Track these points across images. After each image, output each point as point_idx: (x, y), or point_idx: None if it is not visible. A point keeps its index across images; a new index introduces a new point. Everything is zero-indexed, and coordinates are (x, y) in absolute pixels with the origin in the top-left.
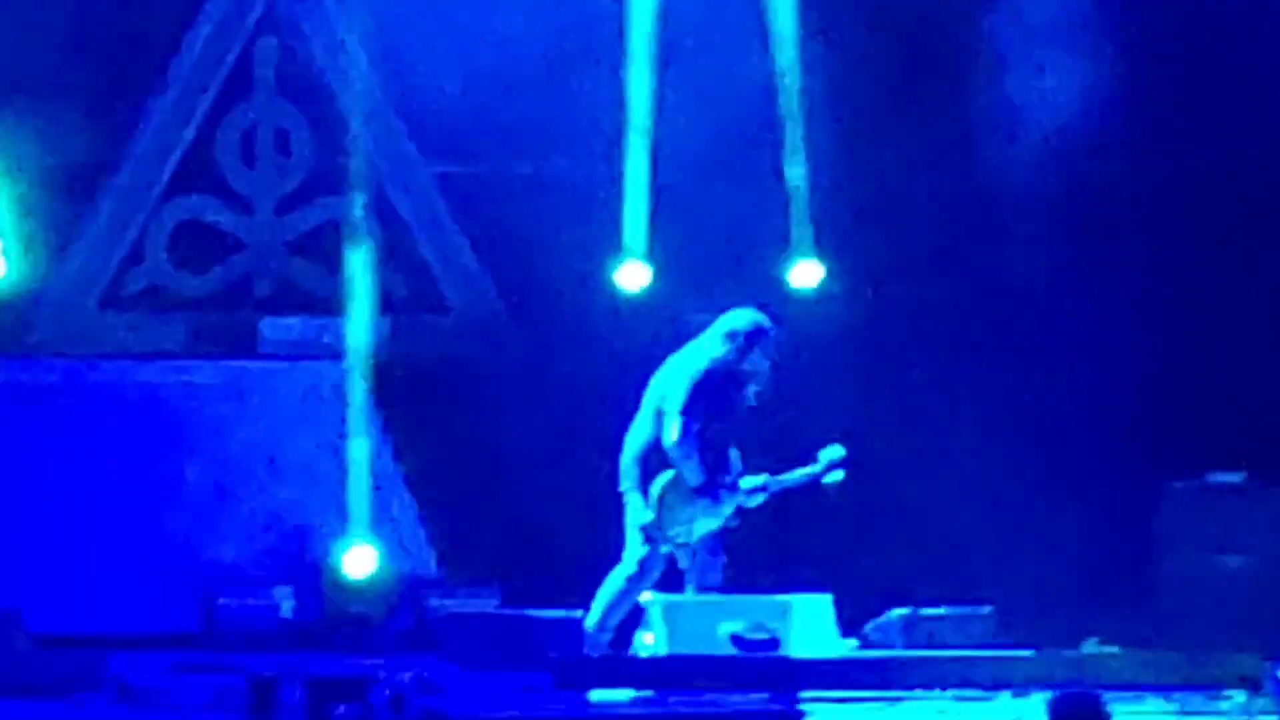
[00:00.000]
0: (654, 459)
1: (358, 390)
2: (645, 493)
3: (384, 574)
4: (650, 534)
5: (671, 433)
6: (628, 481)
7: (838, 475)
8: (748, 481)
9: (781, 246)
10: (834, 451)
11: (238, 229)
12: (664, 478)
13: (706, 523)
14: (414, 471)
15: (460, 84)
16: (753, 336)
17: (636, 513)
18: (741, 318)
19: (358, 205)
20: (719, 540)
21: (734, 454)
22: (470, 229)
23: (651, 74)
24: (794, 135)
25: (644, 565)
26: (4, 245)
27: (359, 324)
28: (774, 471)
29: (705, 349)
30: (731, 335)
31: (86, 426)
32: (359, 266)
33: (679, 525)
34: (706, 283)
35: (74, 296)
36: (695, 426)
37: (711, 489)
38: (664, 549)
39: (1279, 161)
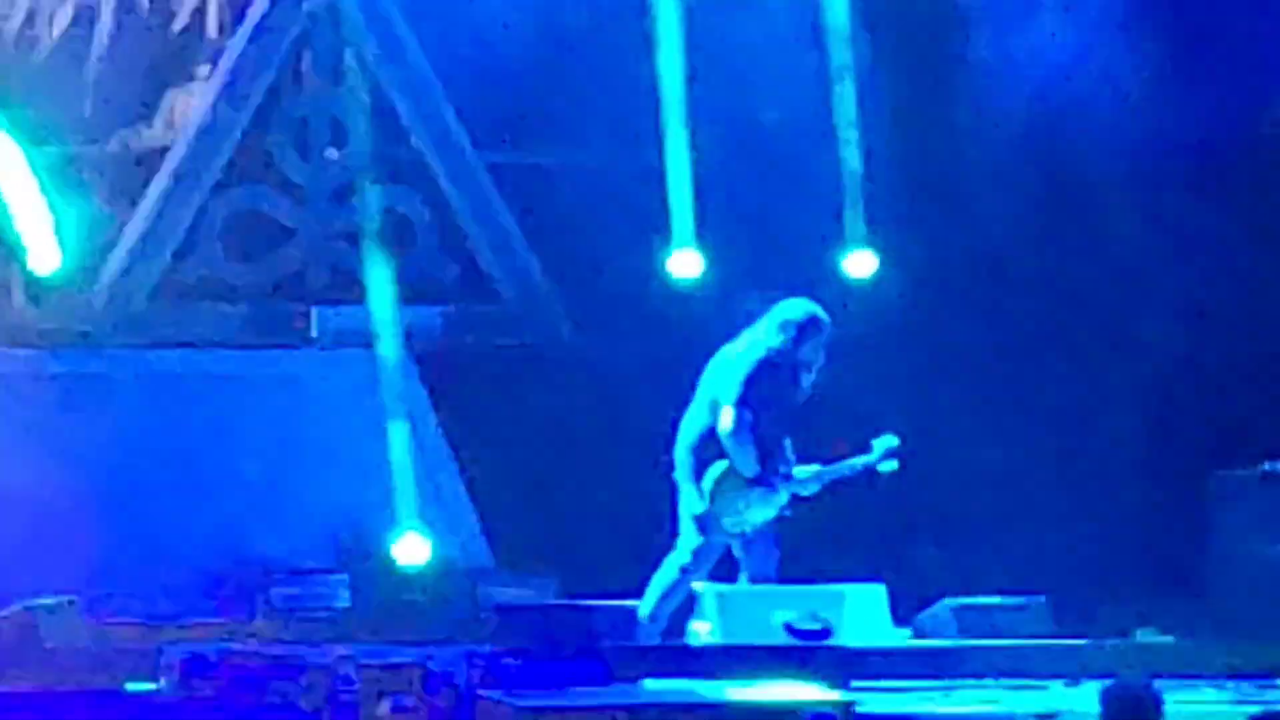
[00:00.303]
0: (708, 448)
1: (412, 379)
2: (699, 482)
3: (438, 564)
4: (704, 524)
5: (726, 422)
6: (682, 471)
7: (892, 464)
8: (802, 471)
9: (836, 235)
10: (888, 441)
11: (291, 218)
12: (718, 468)
13: (761, 512)
14: (468, 461)
15: (512, 73)
16: (806, 327)
17: (690, 502)
18: (796, 308)
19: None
20: (773, 530)
21: (788, 443)
22: (523, 218)
23: (698, 63)
24: (847, 124)
25: (697, 555)
26: (59, 236)
27: (415, 313)
28: (827, 461)
29: (760, 339)
30: (785, 326)
31: (141, 416)
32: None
33: (733, 515)
34: (760, 271)
35: (127, 286)
36: (750, 417)
37: (766, 479)
38: (718, 539)
39: None
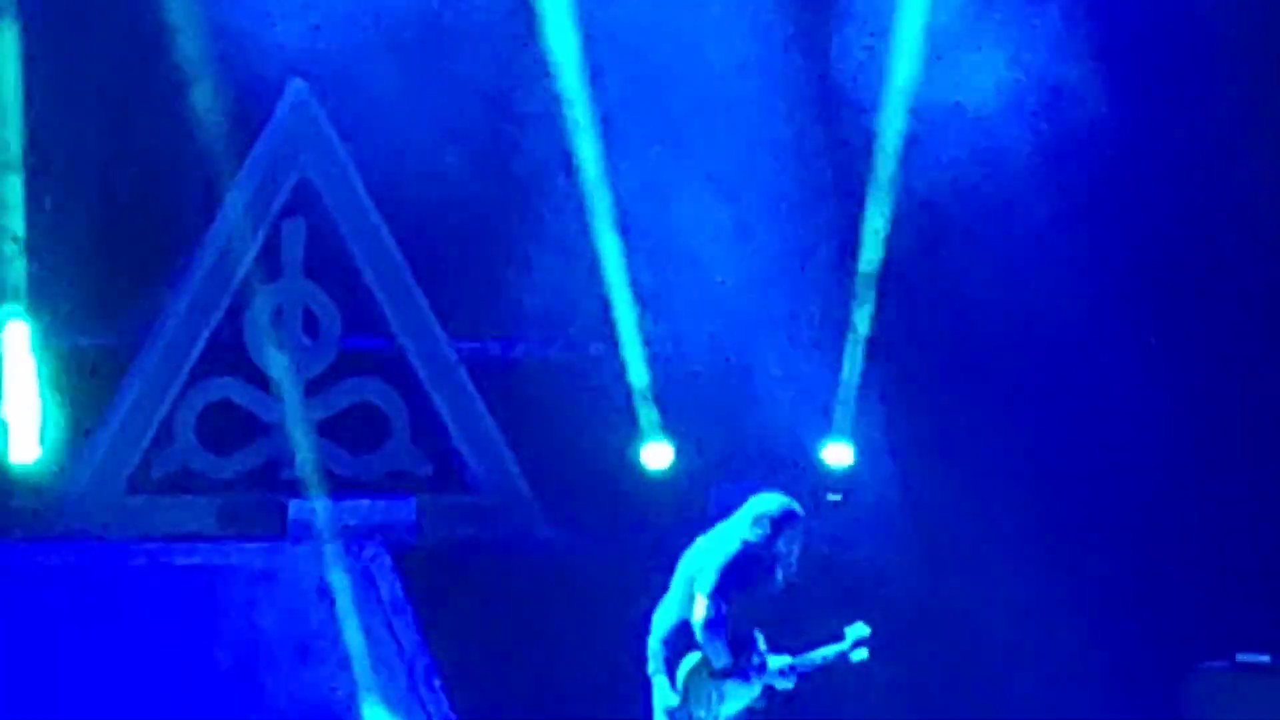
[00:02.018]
0: (681, 641)
1: (384, 571)
2: (672, 675)
3: None
4: (676, 716)
5: (699, 612)
6: (655, 663)
7: (863, 653)
8: (775, 661)
9: (809, 427)
10: (859, 629)
11: (265, 411)
12: (690, 660)
13: (733, 704)
14: (441, 651)
15: (489, 262)
16: (782, 521)
17: (664, 695)
18: (771, 502)
19: None
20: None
21: (760, 636)
22: (496, 409)
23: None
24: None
25: None
26: (40, 428)
27: (389, 505)
28: (799, 651)
29: (735, 531)
30: (760, 519)
31: (115, 610)
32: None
33: (705, 707)
34: (733, 461)
35: (102, 479)
36: (723, 608)
37: (738, 670)
38: None
39: None
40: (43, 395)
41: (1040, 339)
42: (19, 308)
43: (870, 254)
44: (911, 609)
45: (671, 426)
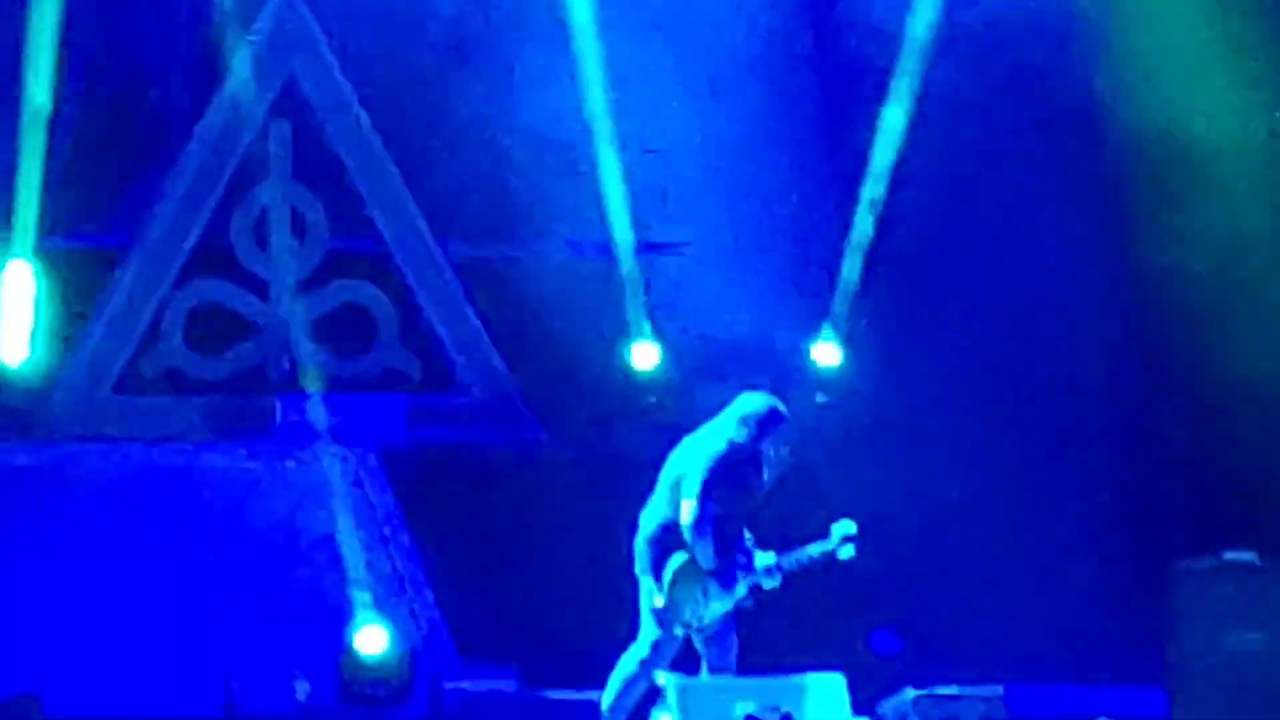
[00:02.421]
0: (667, 541)
1: (373, 472)
2: (658, 575)
3: (400, 656)
4: (663, 616)
5: (686, 515)
6: (641, 564)
7: (849, 550)
8: (761, 560)
9: (797, 326)
10: (846, 527)
11: (253, 312)
12: (676, 560)
13: (720, 604)
14: (430, 552)
15: (478, 166)
16: (767, 421)
17: (650, 595)
18: (756, 402)
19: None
20: (732, 621)
21: (747, 535)
22: (486, 311)
23: (661, 159)
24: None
25: (657, 647)
26: (31, 331)
27: (378, 405)
28: (785, 548)
29: (721, 432)
30: (746, 419)
31: (104, 511)
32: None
33: (692, 607)
34: (720, 361)
35: (90, 381)
36: (710, 510)
37: (725, 571)
38: (678, 631)
39: None
40: (35, 297)
41: (1031, 247)
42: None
43: (881, 159)
44: (897, 508)
45: (659, 326)
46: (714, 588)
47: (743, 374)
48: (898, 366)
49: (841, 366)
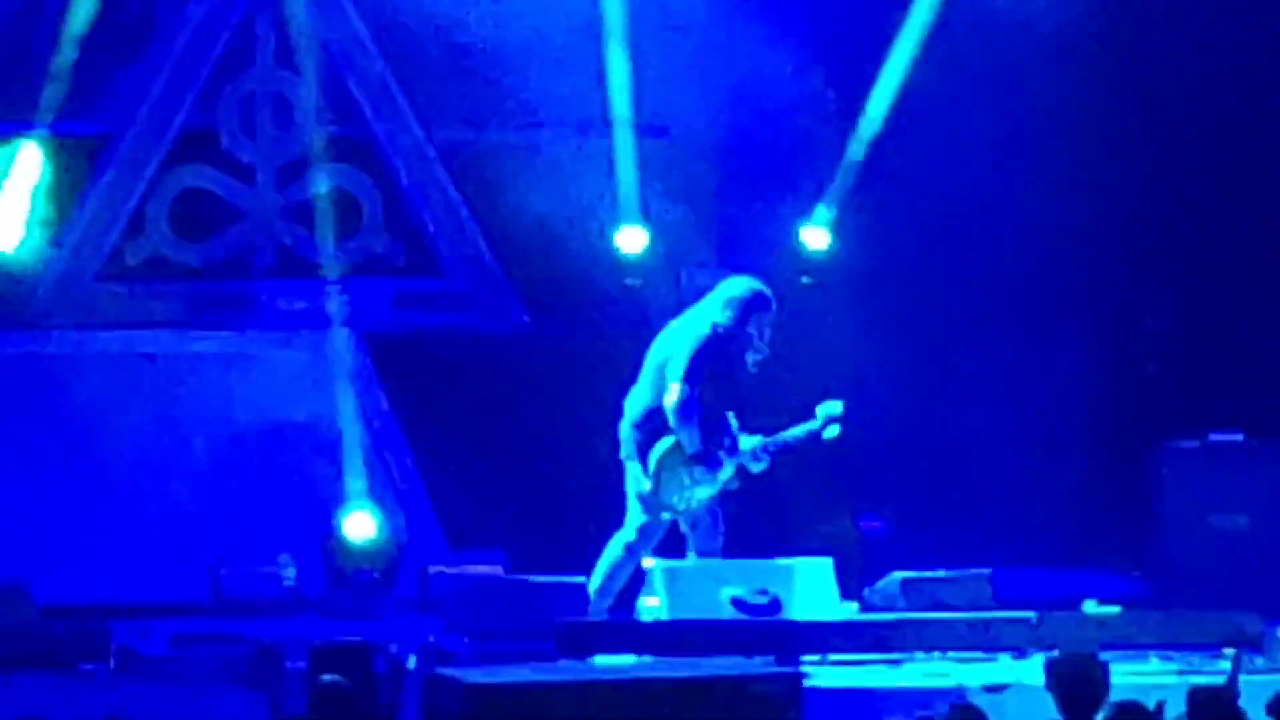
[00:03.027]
0: (653, 426)
1: (360, 358)
2: (644, 460)
3: (387, 541)
4: (649, 501)
5: (671, 398)
6: (627, 448)
7: (835, 430)
8: (747, 442)
9: (787, 208)
10: (831, 407)
11: (238, 198)
12: (662, 445)
13: (706, 488)
14: (416, 438)
15: (462, 51)
16: (751, 304)
17: (636, 480)
18: (741, 285)
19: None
20: (718, 505)
21: (732, 418)
22: (471, 196)
23: (649, 42)
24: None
25: (643, 532)
26: (28, 216)
27: (363, 291)
28: (771, 433)
29: (705, 315)
30: (731, 303)
31: (90, 397)
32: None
33: (678, 492)
34: (706, 245)
35: (75, 267)
36: (695, 393)
37: (709, 455)
38: (664, 516)
39: None
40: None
41: (1021, 138)
42: None
43: (899, 58)
44: (883, 393)
45: (646, 211)
46: (699, 472)
47: (729, 258)
48: (885, 252)
49: (829, 250)
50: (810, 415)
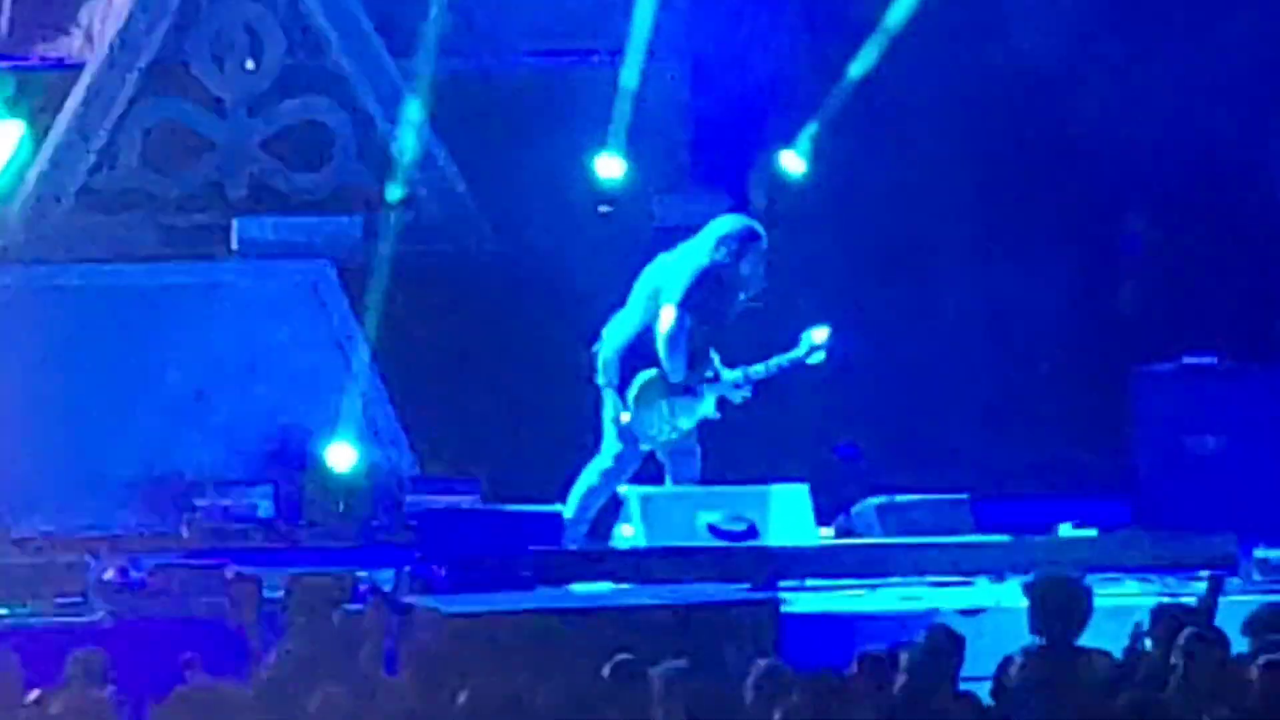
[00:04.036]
0: (638, 355)
1: (332, 288)
2: (624, 389)
3: (362, 471)
4: (628, 431)
5: (666, 322)
6: (607, 376)
7: (820, 356)
8: (729, 375)
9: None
10: (816, 333)
11: (210, 130)
12: (644, 376)
13: (687, 419)
14: (391, 368)
15: None
16: (746, 241)
17: (614, 408)
18: (733, 223)
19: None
20: (696, 433)
21: (714, 354)
22: (444, 126)
23: None
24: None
25: (620, 460)
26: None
27: (335, 222)
28: (750, 363)
29: (700, 250)
30: (725, 240)
31: (60, 330)
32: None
33: (659, 423)
34: (685, 171)
35: (47, 199)
36: (688, 321)
37: (692, 385)
38: (642, 446)
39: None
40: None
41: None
42: None
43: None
44: (858, 318)
45: (628, 138)
46: (680, 403)
47: (703, 185)
48: (862, 178)
49: (806, 175)
50: (787, 343)
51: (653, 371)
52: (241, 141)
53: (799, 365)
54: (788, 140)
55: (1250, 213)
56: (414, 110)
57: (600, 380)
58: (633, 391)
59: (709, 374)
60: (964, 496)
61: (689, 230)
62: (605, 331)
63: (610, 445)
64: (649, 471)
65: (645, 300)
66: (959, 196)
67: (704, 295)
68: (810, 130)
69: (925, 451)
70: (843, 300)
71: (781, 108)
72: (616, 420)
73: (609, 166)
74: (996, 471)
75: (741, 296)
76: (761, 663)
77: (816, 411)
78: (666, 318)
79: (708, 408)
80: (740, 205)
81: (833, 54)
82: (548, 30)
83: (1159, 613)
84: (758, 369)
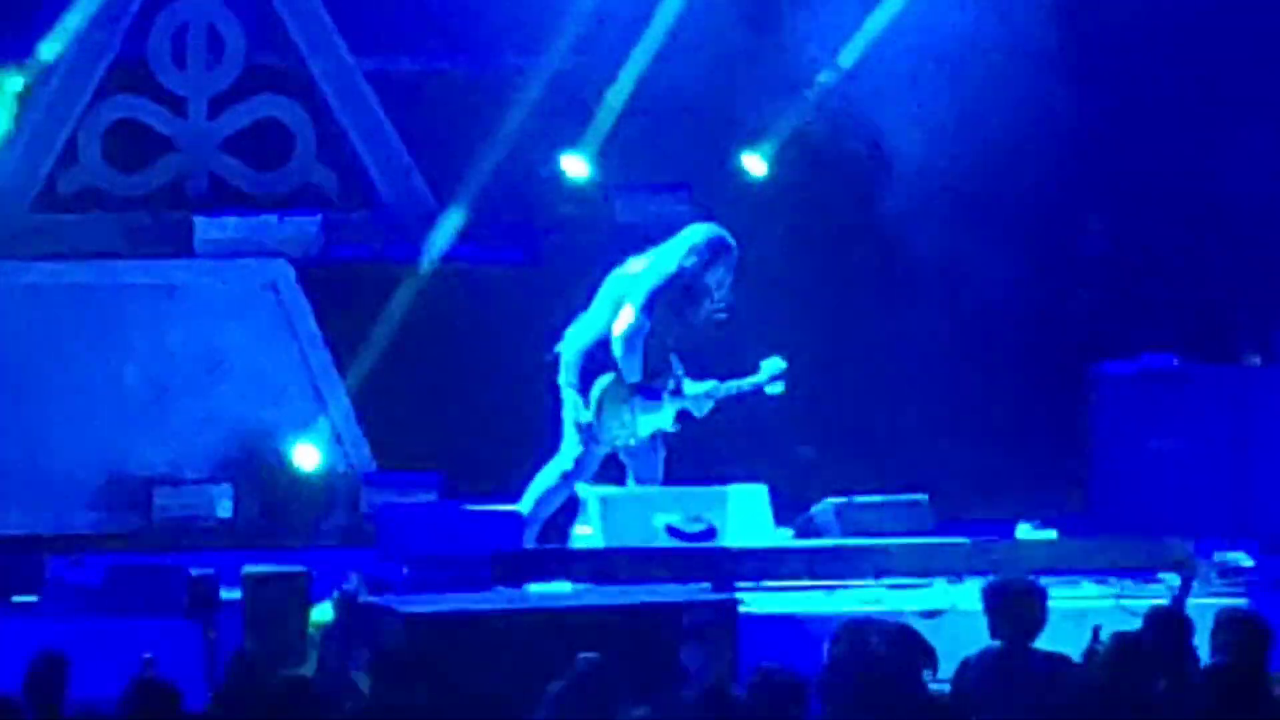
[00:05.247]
0: (599, 356)
1: (292, 288)
2: (586, 390)
3: (321, 470)
4: (588, 432)
5: (623, 322)
6: (568, 376)
7: (779, 387)
8: (692, 388)
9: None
10: (775, 364)
11: (171, 129)
12: (606, 379)
13: (647, 424)
14: (349, 366)
15: None
16: (717, 250)
17: (575, 409)
18: (704, 232)
19: None
20: (657, 437)
21: (675, 360)
22: (404, 125)
23: None
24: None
25: (579, 462)
26: None
27: (294, 221)
28: (709, 375)
29: (670, 256)
30: (695, 249)
31: (20, 328)
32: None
33: (619, 426)
34: (650, 171)
35: (7, 198)
36: (647, 325)
37: (649, 388)
38: (601, 448)
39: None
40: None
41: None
42: None
43: None
44: (817, 318)
45: (585, 136)
46: (641, 408)
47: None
48: (821, 178)
49: (768, 177)
50: (747, 356)
51: (614, 374)
52: (202, 140)
53: (758, 391)
54: (751, 141)
55: (1209, 214)
56: (375, 109)
57: (561, 380)
58: (594, 393)
59: (670, 383)
60: (922, 498)
61: (651, 229)
62: (568, 332)
63: (570, 446)
64: (610, 472)
65: (610, 302)
66: (918, 196)
67: (666, 300)
68: (773, 131)
69: (884, 451)
70: (801, 300)
71: (745, 108)
72: (577, 421)
73: (574, 166)
74: (954, 472)
75: (707, 306)
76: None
77: (775, 412)
78: (624, 318)
79: (666, 419)
80: (702, 206)
81: (799, 54)
82: (505, 28)
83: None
84: (721, 388)
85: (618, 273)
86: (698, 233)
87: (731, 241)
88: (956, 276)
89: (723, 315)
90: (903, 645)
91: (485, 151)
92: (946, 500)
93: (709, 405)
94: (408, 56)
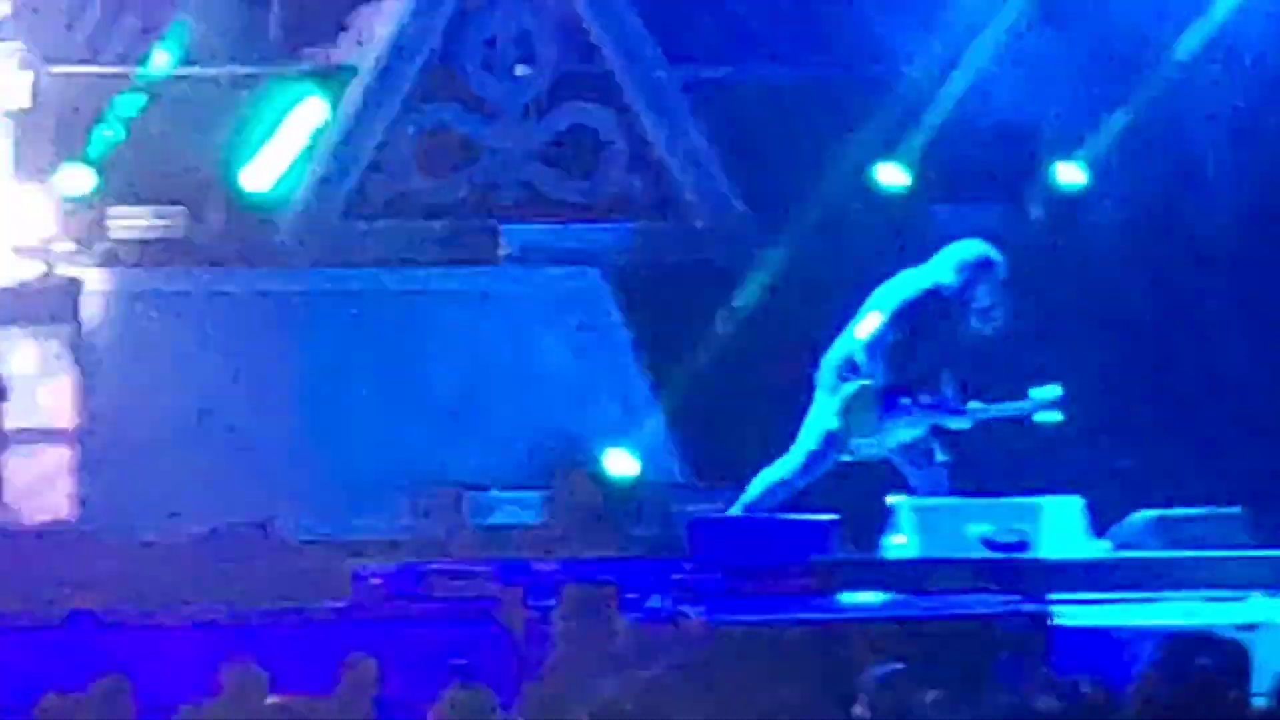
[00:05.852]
0: (853, 364)
1: (602, 295)
2: (836, 396)
3: (632, 479)
4: (833, 438)
5: (864, 330)
6: (825, 380)
7: (1054, 415)
8: (969, 405)
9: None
10: (1050, 391)
11: (481, 136)
12: (853, 385)
13: (896, 435)
14: (659, 375)
15: None
16: (980, 268)
17: (825, 415)
18: (969, 249)
19: None
20: (933, 448)
21: (946, 376)
22: (716, 134)
23: None
24: None
25: (810, 463)
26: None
27: (605, 230)
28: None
29: (933, 273)
30: (961, 267)
31: (333, 335)
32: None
33: (869, 436)
34: (965, 183)
35: (319, 205)
36: (891, 335)
37: (896, 399)
38: (843, 454)
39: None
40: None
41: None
42: None
43: None
44: (1137, 326)
45: (907, 145)
46: (891, 418)
47: (975, 196)
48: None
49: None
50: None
51: (863, 383)
52: (512, 147)
53: (1027, 418)
54: (1067, 153)
55: None
56: (687, 117)
57: (818, 384)
58: (844, 399)
59: (925, 398)
60: (1237, 510)
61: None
62: (839, 339)
63: (807, 443)
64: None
65: (869, 312)
66: (1234, 206)
67: (919, 314)
68: (1091, 142)
69: (1198, 463)
70: (1123, 307)
71: (1062, 120)
72: (826, 428)
73: (891, 175)
74: (1272, 482)
75: (977, 321)
76: None
77: (1091, 425)
78: (868, 325)
79: (916, 432)
80: (1018, 216)
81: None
82: (826, 39)
83: None
84: (986, 410)
85: (885, 286)
86: (962, 250)
87: (997, 258)
88: (1271, 286)
89: (994, 332)
90: (1233, 663)
91: (799, 159)
92: (1265, 513)
93: (967, 421)
94: (716, 64)
